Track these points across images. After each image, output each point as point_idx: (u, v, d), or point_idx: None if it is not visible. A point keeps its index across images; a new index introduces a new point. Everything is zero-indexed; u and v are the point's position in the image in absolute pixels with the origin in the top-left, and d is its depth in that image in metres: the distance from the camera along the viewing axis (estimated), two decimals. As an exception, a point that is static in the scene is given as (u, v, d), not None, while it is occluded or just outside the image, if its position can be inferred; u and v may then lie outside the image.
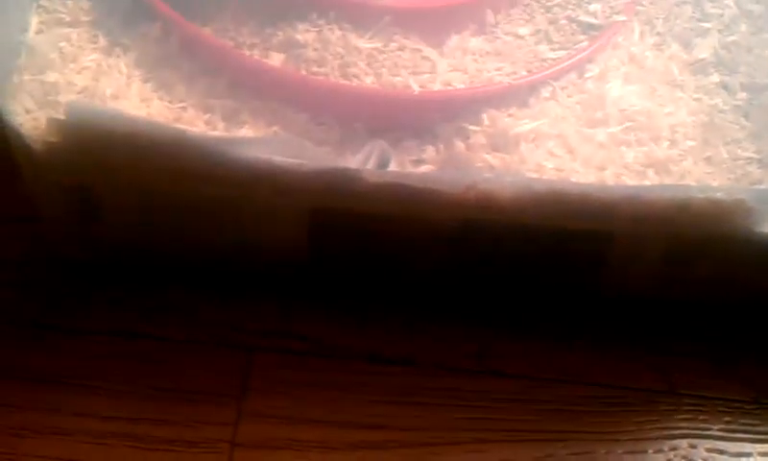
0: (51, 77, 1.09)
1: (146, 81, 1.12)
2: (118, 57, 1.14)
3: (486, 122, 1.10)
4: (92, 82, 1.10)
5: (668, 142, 1.12)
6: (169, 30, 1.15)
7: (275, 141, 1.05)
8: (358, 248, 1.08)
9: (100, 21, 1.17)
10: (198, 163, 1.00)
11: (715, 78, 1.22)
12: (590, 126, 1.12)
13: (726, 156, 1.16)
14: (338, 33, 1.15)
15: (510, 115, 1.11)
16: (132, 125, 0.99)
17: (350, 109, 1.11)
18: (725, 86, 1.22)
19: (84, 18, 1.17)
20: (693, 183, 1.07)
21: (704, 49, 1.24)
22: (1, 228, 1.15)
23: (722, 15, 1.28)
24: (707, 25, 1.26)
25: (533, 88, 1.14)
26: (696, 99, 1.20)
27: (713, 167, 1.14)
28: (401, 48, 1.16)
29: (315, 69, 1.12)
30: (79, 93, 1.08)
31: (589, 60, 1.18)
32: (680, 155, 1.12)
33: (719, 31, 1.26)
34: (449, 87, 1.12)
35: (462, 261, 1.08)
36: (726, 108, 1.20)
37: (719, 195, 1.01)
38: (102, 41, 1.15)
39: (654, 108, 1.14)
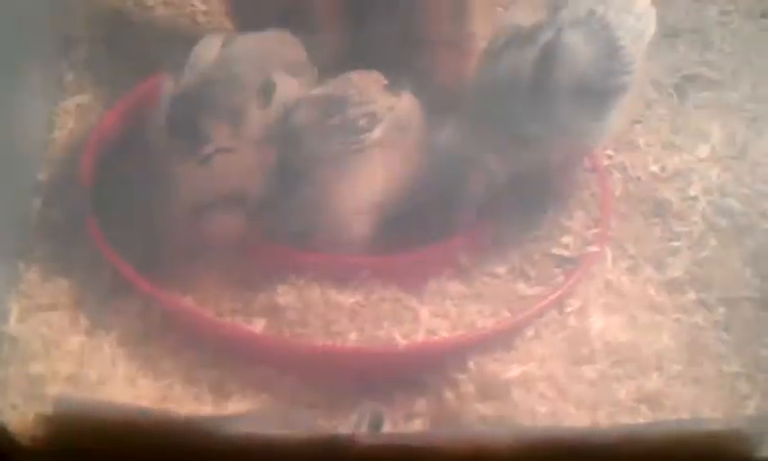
0: (35, 368, 1.09)
1: (131, 359, 1.12)
2: (101, 337, 1.14)
3: (473, 369, 1.11)
4: (77, 367, 1.10)
5: (656, 372, 1.14)
6: (150, 304, 1.16)
7: (263, 414, 1.05)
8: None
9: (80, 301, 1.17)
10: (187, 446, 0.99)
11: (692, 295, 1.24)
12: (578, 363, 1.13)
13: (713, 373, 1.17)
14: (318, 291, 1.16)
15: (497, 360, 1.12)
16: (119, 414, 0.98)
17: (337, 368, 1.12)
18: (702, 303, 1.24)
19: (65, 299, 1.17)
20: (687, 417, 1.08)
21: (677, 268, 1.27)
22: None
23: (691, 232, 1.30)
24: (677, 243, 1.29)
25: (517, 329, 1.15)
26: (676, 319, 1.22)
27: (702, 388, 1.15)
28: (382, 299, 1.17)
29: (298, 331, 1.13)
30: (65, 382, 1.08)
31: (568, 294, 1.19)
32: (668, 384, 1.13)
33: (689, 248, 1.29)
34: (433, 336, 1.13)
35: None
36: (706, 324, 1.22)
37: (715, 426, 1.01)
38: (83, 323, 1.15)
39: (637, 338, 1.16)
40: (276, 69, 1.25)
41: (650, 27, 1.25)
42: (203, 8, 1.58)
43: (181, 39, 1.51)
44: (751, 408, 1.15)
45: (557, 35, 1.18)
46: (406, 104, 1.23)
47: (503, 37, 1.21)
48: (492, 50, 1.22)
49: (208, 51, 1.27)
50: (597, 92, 1.19)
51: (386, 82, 1.24)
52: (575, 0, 1.23)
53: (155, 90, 1.28)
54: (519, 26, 1.22)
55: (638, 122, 1.41)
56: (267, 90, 1.22)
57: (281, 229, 1.18)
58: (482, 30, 1.31)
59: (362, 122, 1.20)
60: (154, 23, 1.55)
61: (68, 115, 1.40)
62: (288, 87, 1.24)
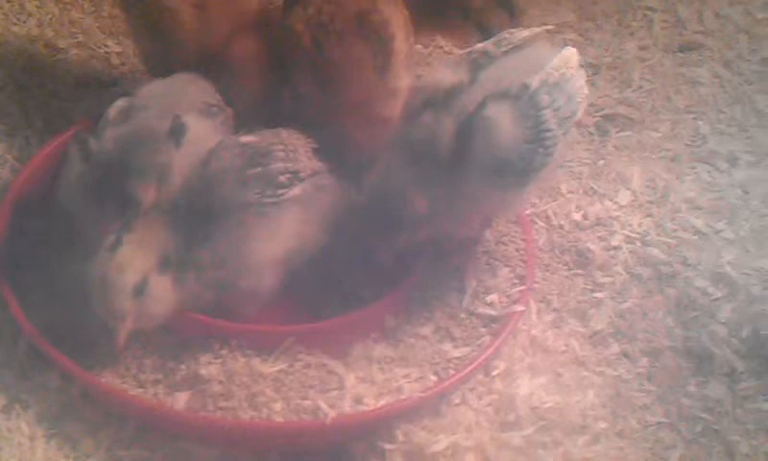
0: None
1: (50, 438, 1.11)
2: (18, 415, 1.12)
3: (400, 438, 1.12)
4: (-7, 449, 1.08)
5: (581, 436, 1.15)
6: (68, 378, 1.14)
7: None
8: None
9: (-4, 376, 1.15)
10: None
11: (615, 348, 1.27)
12: (505, 430, 1.14)
13: (636, 425, 1.20)
14: (242, 360, 1.16)
15: (424, 428, 1.13)
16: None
17: (261, 442, 1.12)
18: (626, 355, 1.26)
19: (-22, 374, 1.15)
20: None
21: (600, 320, 1.29)
22: None
23: (613, 283, 1.33)
24: (599, 295, 1.31)
25: (443, 395, 1.15)
26: (600, 373, 1.24)
27: (626, 441, 1.18)
28: (307, 366, 1.17)
29: (222, 403, 1.13)
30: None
31: (494, 356, 1.20)
32: (594, 445, 1.15)
33: (612, 298, 1.31)
34: (360, 405, 1.13)
35: None
36: (629, 376, 1.25)
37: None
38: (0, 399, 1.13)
39: (563, 400, 1.18)
40: (188, 111, 1.25)
41: (579, 108, 1.25)
42: (117, 49, 1.56)
43: (95, 83, 1.51)
44: (675, 458, 1.18)
45: (481, 107, 1.17)
46: (329, 170, 1.24)
47: (422, 98, 1.21)
48: (411, 111, 1.21)
49: (118, 107, 1.26)
50: (516, 170, 1.19)
51: (314, 145, 1.24)
52: (501, 65, 1.23)
53: (66, 145, 1.27)
54: (439, 86, 1.21)
55: (560, 166, 1.41)
56: (177, 130, 1.22)
57: (195, 282, 1.17)
58: (403, 84, 1.31)
59: (282, 178, 1.20)
60: (66, 67, 1.53)
61: (-23, 168, 1.38)
62: (201, 128, 1.25)
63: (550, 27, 1.33)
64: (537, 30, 1.29)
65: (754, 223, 1.40)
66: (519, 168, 1.19)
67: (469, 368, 1.17)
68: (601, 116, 1.54)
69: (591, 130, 1.52)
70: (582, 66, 1.28)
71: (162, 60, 1.36)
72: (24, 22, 1.58)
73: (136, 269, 1.13)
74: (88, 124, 1.29)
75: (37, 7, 1.59)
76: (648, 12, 1.70)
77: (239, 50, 1.35)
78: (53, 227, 1.24)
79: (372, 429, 1.13)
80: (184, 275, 1.16)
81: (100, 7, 1.60)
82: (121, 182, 1.18)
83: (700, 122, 1.55)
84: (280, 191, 1.20)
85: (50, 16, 1.59)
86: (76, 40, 1.57)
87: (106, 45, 1.56)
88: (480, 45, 1.26)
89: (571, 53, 1.26)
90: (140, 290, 1.13)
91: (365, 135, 1.29)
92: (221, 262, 1.17)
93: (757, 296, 1.31)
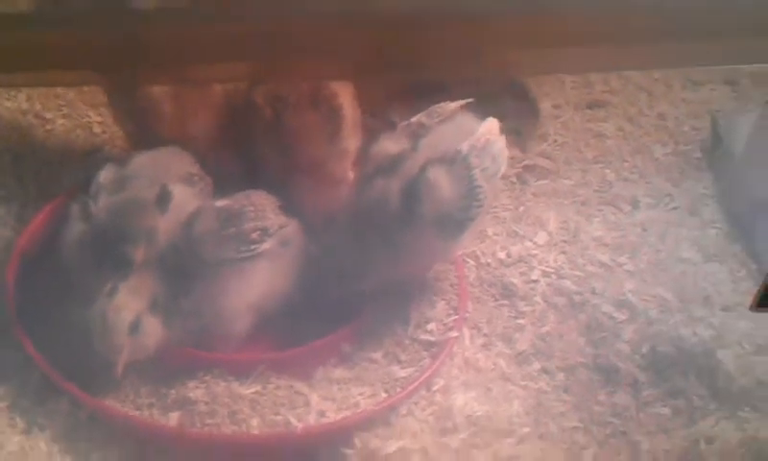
0: (-16, 468, 1.25)
1: (64, 454, 1.29)
2: (36, 436, 1.30)
3: (358, 445, 1.30)
4: (22, 463, 1.26)
5: (509, 438, 1.34)
6: (76, 403, 1.32)
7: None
8: None
9: (15, 403, 1.33)
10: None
11: (537, 365, 1.45)
12: (444, 435, 1.32)
13: (555, 429, 1.37)
14: (223, 384, 1.34)
15: (377, 435, 1.31)
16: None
17: (243, 453, 1.31)
18: (545, 371, 1.44)
19: (1, 403, 1.33)
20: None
21: (523, 342, 1.47)
22: None
23: (534, 310, 1.51)
24: (522, 321, 1.50)
25: (392, 408, 1.35)
26: (523, 386, 1.42)
27: (546, 442, 1.35)
28: (278, 387, 1.35)
29: (208, 421, 1.31)
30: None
31: (434, 375, 1.39)
32: (519, 445, 1.33)
33: (533, 324, 1.49)
34: (323, 418, 1.32)
35: None
36: (549, 389, 1.42)
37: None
38: (20, 423, 1.31)
39: (492, 409, 1.36)
40: (172, 180, 1.43)
41: (502, 166, 1.44)
42: (98, 119, 1.74)
43: (80, 151, 1.68)
44: (588, 457, 1.35)
45: (423, 171, 1.36)
46: (293, 224, 1.43)
47: (373, 164, 1.40)
48: (365, 176, 1.40)
49: (110, 175, 1.44)
50: (454, 221, 1.38)
51: (279, 203, 1.43)
52: (437, 134, 1.42)
53: (65, 206, 1.45)
54: (387, 154, 1.40)
55: (487, 213, 1.58)
56: (164, 198, 1.39)
57: (181, 323, 1.35)
58: (352, 146, 1.50)
59: (254, 235, 1.39)
60: (54, 136, 1.71)
61: (-19, 229, 1.54)
62: (185, 195, 1.43)
63: (471, 100, 1.49)
64: (461, 102, 1.48)
65: (651, 256, 1.57)
66: (458, 219, 1.38)
67: (413, 385, 1.36)
68: (522, 167, 1.71)
69: (513, 179, 1.69)
70: (502, 132, 1.45)
71: (144, 137, 1.53)
72: (14, 98, 1.75)
73: (131, 310, 1.31)
74: (77, 190, 1.46)
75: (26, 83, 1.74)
76: (561, 75, 1.87)
77: (210, 127, 1.53)
78: (55, 278, 1.41)
79: (335, 438, 1.31)
80: (171, 319, 1.34)
81: (81, 82, 1.74)
82: (115, 245, 1.36)
83: (606, 170, 1.73)
84: (253, 246, 1.38)
85: (38, 92, 1.75)
86: (61, 112, 1.74)
87: (88, 115, 1.74)
88: (416, 118, 1.45)
89: (493, 122, 1.45)
90: (134, 327, 1.31)
91: (321, 192, 1.47)
92: (201, 310, 1.35)
93: (655, 318, 1.48)
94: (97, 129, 1.74)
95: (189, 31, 1.18)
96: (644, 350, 1.45)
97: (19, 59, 1.19)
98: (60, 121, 1.74)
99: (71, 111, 1.75)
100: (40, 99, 1.76)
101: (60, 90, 1.77)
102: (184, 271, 1.35)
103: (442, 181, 1.37)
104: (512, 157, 1.65)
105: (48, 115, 1.74)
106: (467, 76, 1.49)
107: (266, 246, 1.39)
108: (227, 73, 1.33)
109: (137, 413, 1.32)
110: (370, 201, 1.38)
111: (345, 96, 1.50)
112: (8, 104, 1.74)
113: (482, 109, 1.47)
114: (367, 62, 1.22)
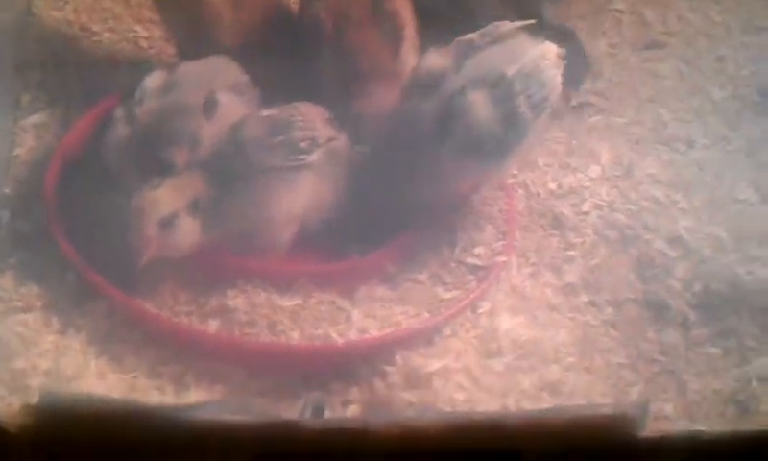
0: (17, 363, 1.22)
1: (100, 356, 1.26)
2: (72, 337, 1.28)
3: (400, 362, 1.28)
4: (53, 363, 1.23)
5: (554, 364, 1.31)
6: (114, 306, 1.30)
7: (221, 403, 1.20)
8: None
9: (51, 304, 1.31)
10: (155, 431, 1.13)
11: (584, 297, 1.42)
12: (488, 357, 1.30)
13: (602, 364, 1.34)
14: (263, 295, 1.32)
15: (420, 355, 1.29)
16: (94, 405, 1.12)
17: (282, 363, 1.28)
18: (593, 304, 1.41)
19: (37, 303, 1.31)
20: (581, 402, 1.25)
21: (572, 274, 1.44)
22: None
23: (584, 243, 1.48)
24: (572, 253, 1.47)
25: (436, 328, 1.32)
26: (571, 318, 1.39)
27: (593, 377, 1.32)
28: (319, 302, 1.33)
29: (247, 330, 1.29)
30: (44, 375, 1.21)
31: (480, 298, 1.36)
32: (565, 374, 1.31)
33: (582, 256, 1.46)
34: (365, 334, 1.30)
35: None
36: (596, 322, 1.39)
37: (605, 410, 1.18)
38: (55, 324, 1.29)
39: (538, 335, 1.33)
40: (220, 89, 1.41)
41: (552, 95, 1.40)
42: (144, 33, 1.72)
43: (126, 62, 1.66)
44: (634, 394, 1.32)
45: (461, 92, 1.33)
46: (342, 138, 1.40)
47: (414, 80, 1.37)
48: (405, 92, 1.38)
49: (157, 80, 1.42)
50: (492, 146, 1.35)
51: (328, 116, 1.40)
52: (483, 55, 1.39)
53: (108, 112, 1.43)
54: (429, 71, 1.37)
55: (539, 144, 1.56)
56: (210, 105, 1.38)
57: (222, 228, 1.33)
58: (412, 62, 1.48)
59: (303, 144, 1.36)
60: (100, 48, 1.69)
61: (27, 134, 1.53)
62: (232, 104, 1.41)
63: (533, 22, 1.46)
64: (519, 24, 1.44)
65: (706, 195, 1.53)
66: (496, 145, 1.35)
67: (459, 305, 1.33)
68: (575, 103, 1.67)
69: (566, 113, 1.64)
70: (560, 59, 1.42)
71: (195, 45, 1.51)
72: (62, 8, 1.73)
73: (168, 205, 1.28)
74: (121, 96, 1.44)
75: (73, -5, 1.74)
76: (617, 15, 1.84)
77: (266, 37, 1.51)
78: (96, 181, 1.39)
79: (376, 354, 1.28)
80: (211, 222, 1.32)
81: (128, -5, 1.75)
82: (158, 147, 1.35)
83: (662, 110, 1.68)
84: (302, 156, 1.36)
85: (84, 4, 1.74)
86: (107, 25, 1.72)
87: (134, 30, 1.72)
88: (467, 36, 1.41)
89: (549, 46, 1.41)
90: (167, 222, 1.28)
91: (377, 106, 1.44)
92: (244, 216, 1.33)
93: (708, 257, 1.44)
94: (143, 43, 1.71)
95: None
96: (696, 288, 1.41)
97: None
98: (107, 34, 1.71)
99: (117, 25, 1.73)
100: (87, 11, 1.74)
101: (106, 3, 1.75)
102: (229, 176, 1.33)
103: (478, 105, 1.34)
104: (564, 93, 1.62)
105: (94, 28, 1.72)
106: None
107: (314, 157, 1.36)
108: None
109: (175, 319, 1.30)
110: (407, 116, 1.35)
111: (406, 12, 1.49)
112: (55, 13, 1.72)
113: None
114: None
